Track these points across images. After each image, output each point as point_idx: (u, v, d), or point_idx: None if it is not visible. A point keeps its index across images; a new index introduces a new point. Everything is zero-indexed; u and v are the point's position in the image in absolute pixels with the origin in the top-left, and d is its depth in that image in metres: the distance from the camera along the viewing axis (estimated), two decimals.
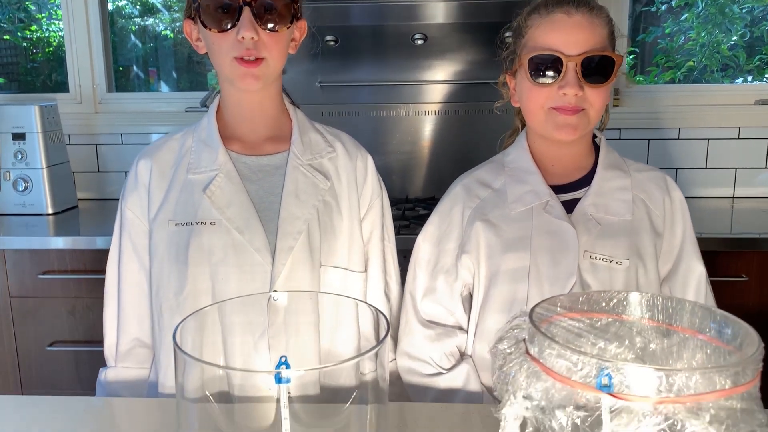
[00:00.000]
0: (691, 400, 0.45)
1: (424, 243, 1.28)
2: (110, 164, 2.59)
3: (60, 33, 2.73)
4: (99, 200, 2.59)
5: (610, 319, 0.59)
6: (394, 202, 1.92)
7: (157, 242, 1.18)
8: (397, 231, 1.87)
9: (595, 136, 1.28)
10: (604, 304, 0.60)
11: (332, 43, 2.38)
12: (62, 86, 2.67)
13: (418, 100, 2.45)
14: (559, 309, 0.59)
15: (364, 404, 0.55)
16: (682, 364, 0.56)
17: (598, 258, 1.14)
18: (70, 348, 2.05)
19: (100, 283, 1.28)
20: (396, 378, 1.29)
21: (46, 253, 2.00)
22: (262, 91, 1.19)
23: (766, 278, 1.93)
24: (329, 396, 0.56)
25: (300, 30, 1.23)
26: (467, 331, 1.25)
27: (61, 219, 2.27)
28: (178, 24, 2.86)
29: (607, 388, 0.47)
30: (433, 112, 2.45)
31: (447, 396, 1.21)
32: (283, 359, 0.60)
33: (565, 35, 1.13)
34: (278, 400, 0.54)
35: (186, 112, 2.52)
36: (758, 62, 2.79)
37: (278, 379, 0.52)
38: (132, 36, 2.90)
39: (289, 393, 0.54)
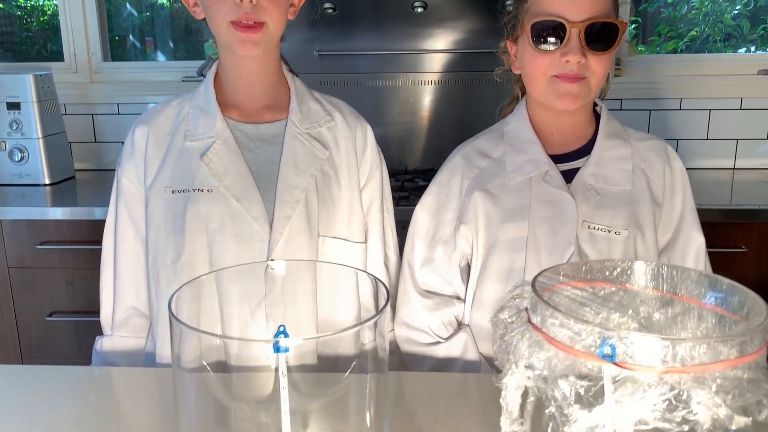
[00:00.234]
0: (698, 370, 0.44)
1: (422, 213, 1.27)
2: (107, 134, 2.57)
3: (54, 1, 2.68)
4: (96, 171, 2.57)
5: (613, 288, 0.59)
6: (392, 174, 1.91)
7: (153, 210, 1.18)
8: (396, 202, 1.86)
9: (595, 105, 1.26)
10: (607, 273, 0.59)
11: (330, 10, 2.34)
12: (58, 56, 2.63)
13: (417, 69, 2.42)
14: (561, 278, 0.58)
15: (363, 373, 0.54)
16: (687, 334, 0.56)
17: (596, 228, 1.13)
18: (70, 318, 2.05)
19: (99, 254, 1.27)
20: (395, 347, 1.29)
21: (43, 223, 1.99)
22: (261, 58, 1.18)
23: (765, 250, 1.93)
24: (327, 365, 0.55)
25: None
26: (464, 301, 1.25)
27: (59, 189, 2.25)
28: None
29: (609, 358, 0.46)
30: (433, 82, 2.42)
31: (445, 365, 1.21)
32: (281, 328, 0.59)
33: (569, 1, 1.10)
34: (276, 370, 0.54)
35: (183, 81, 2.49)
36: (762, 32, 2.75)
37: (276, 349, 0.52)
38: (128, 5, 2.86)
39: (286, 362, 0.54)
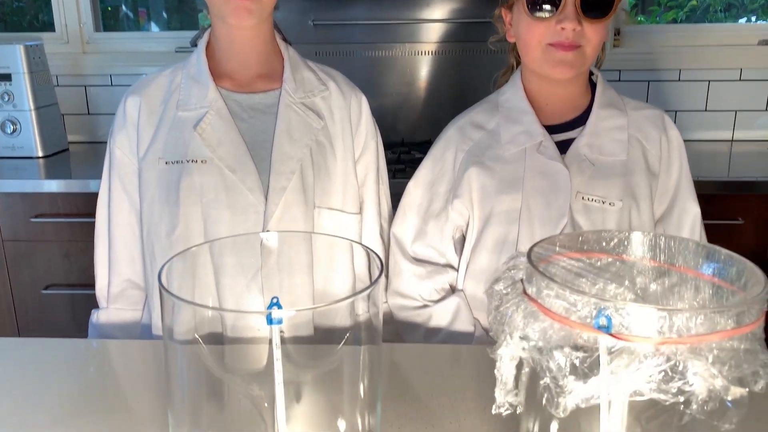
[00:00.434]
0: (694, 341, 0.43)
1: (415, 188, 1.27)
2: (100, 106, 2.54)
3: None
4: (90, 143, 2.55)
5: (610, 259, 0.58)
6: (388, 145, 1.90)
7: (147, 181, 1.16)
8: (392, 175, 1.85)
9: (592, 74, 1.24)
10: (604, 243, 0.59)
11: None
12: (50, 26, 2.59)
13: (414, 39, 2.38)
14: (558, 249, 0.57)
15: (357, 345, 0.54)
16: (684, 305, 0.55)
17: (590, 199, 1.13)
18: (66, 291, 2.05)
19: (94, 227, 1.27)
20: (390, 319, 1.30)
21: (37, 196, 1.98)
22: (254, 28, 1.16)
23: (761, 221, 1.92)
24: (324, 337, 0.55)
25: None
26: (458, 270, 1.25)
27: (52, 162, 2.24)
28: None
29: (605, 329, 0.46)
30: (430, 52, 2.39)
31: (437, 330, 1.21)
32: (274, 300, 0.59)
33: None
34: (270, 341, 0.53)
35: (176, 52, 2.46)
36: (762, 1, 2.72)
37: (269, 320, 0.51)
38: None
39: (282, 333, 0.53)
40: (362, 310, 0.57)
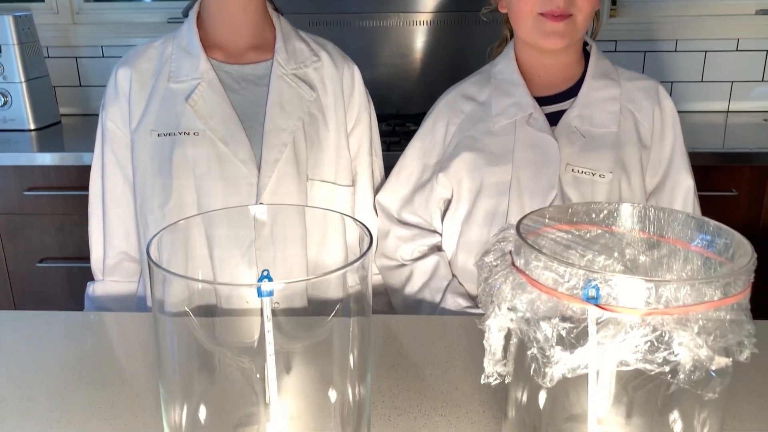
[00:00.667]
0: (680, 312, 0.44)
1: (406, 159, 1.28)
2: (92, 78, 2.51)
3: None
4: (82, 116, 2.53)
5: (599, 231, 0.58)
6: (383, 118, 1.89)
7: (139, 154, 1.16)
8: (387, 147, 1.84)
9: (586, 44, 1.23)
10: (594, 215, 0.59)
11: None
12: None
13: (409, 9, 2.35)
14: (547, 221, 0.58)
15: (347, 316, 0.54)
16: (672, 276, 0.55)
17: (580, 171, 1.13)
18: (61, 264, 2.05)
19: (88, 200, 1.26)
20: (383, 290, 1.31)
21: (30, 169, 1.97)
22: None
23: (755, 193, 1.93)
24: (317, 308, 0.55)
25: None
26: (441, 235, 1.26)
27: (44, 135, 2.22)
28: None
29: (594, 300, 0.46)
30: (425, 23, 2.36)
31: (420, 289, 1.23)
32: (264, 273, 0.59)
33: None
34: (262, 313, 0.53)
35: (168, 22, 2.43)
36: None
37: (260, 293, 0.51)
38: None
39: (277, 304, 0.53)
40: (353, 281, 0.57)
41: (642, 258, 0.57)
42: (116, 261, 1.24)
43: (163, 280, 0.51)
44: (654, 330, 0.44)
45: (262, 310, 0.54)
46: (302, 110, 1.17)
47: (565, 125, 1.15)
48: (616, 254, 0.56)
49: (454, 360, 0.88)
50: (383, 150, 1.34)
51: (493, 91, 1.21)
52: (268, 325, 0.54)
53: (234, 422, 0.59)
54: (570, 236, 0.56)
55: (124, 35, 2.46)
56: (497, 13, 1.26)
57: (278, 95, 1.16)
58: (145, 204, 1.16)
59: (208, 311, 0.54)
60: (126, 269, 1.25)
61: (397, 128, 2.16)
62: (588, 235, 0.58)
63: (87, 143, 2.09)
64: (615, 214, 0.59)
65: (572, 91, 1.18)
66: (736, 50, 2.37)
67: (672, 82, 2.40)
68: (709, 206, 1.89)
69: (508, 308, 0.50)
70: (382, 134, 1.35)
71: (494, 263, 0.54)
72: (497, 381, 0.56)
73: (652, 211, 0.58)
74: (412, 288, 1.24)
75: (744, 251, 0.49)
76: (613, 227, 0.59)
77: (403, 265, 1.26)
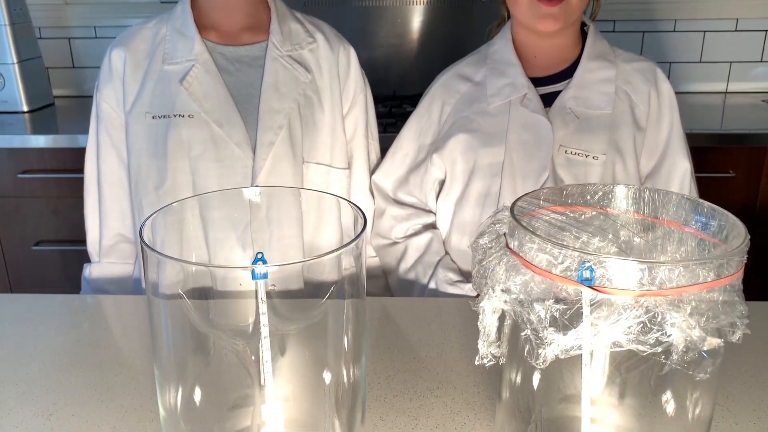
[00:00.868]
0: (673, 293, 0.44)
1: (402, 139, 1.28)
2: (85, 59, 2.49)
3: None
4: (76, 97, 2.51)
5: (594, 213, 0.58)
6: (379, 99, 1.88)
7: (134, 135, 1.15)
8: (383, 129, 1.84)
9: (585, 25, 1.22)
10: (588, 197, 0.58)
11: None
12: None
13: None
14: (542, 203, 0.57)
15: (341, 299, 0.54)
16: (666, 258, 0.55)
17: (573, 153, 1.12)
18: (56, 247, 2.05)
19: (83, 183, 1.26)
20: (379, 272, 1.31)
21: (24, 152, 1.96)
22: None
23: (752, 174, 1.93)
24: (313, 291, 0.55)
25: None
26: (442, 223, 1.26)
27: (38, 117, 2.20)
28: None
29: (588, 282, 0.46)
30: (423, 2, 2.34)
31: (413, 264, 1.24)
32: (259, 255, 0.59)
33: None
34: (256, 296, 0.53)
35: (161, 2, 2.40)
36: None
37: (254, 275, 0.51)
38: None
39: (273, 286, 0.53)
40: (347, 263, 0.57)
41: (636, 240, 0.57)
42: (112, 242, 1.24)
43: (157, 263, 0.51)
44: (647, 311, 0.44)
45: (256, 292, 0.54)
46: (297, 92, 1.16)
47: (560, 106, 1.15)
48: (610, 236, 0.56)
49: (449, 342, 0.88)
50: (379, 132, 1.34)
51: (488, 72, 1.20)
52: (263, 308, 0.54)
53: (229, 404, 0.59)
54: (564, 218, 0.56)
55: (118, 16, 2.43)
56: None
57: (273, 77, 1.15)
58: (139, 186, 1.16)
59: (203, 294, 0.54)
60: (122, 251, 1.25)
61: (393, 110, 2.15)
62: (582, 217, 0.58)
63: (81, 125, 2.08)
64: (609, 196, 0.59)
65: (568, 72, 1.18)
66: (735, 30, 2.36)
67: (670, 63, 2.39)
68: (706, 187, 1.89)
69: (502, 290, 0.50)
70: (379, 116, 1.35)
71: (488, 245, 0.54)
72: (491, 362, 0.57)
73: (647, 192, 0.58)
74: (406, 264, 1.24)
75: (738, 233, 0.49)
76: (608, 209, 0.59)
77: (397, 242, 1.26)
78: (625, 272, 0.45)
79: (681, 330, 0.43)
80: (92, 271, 1.26)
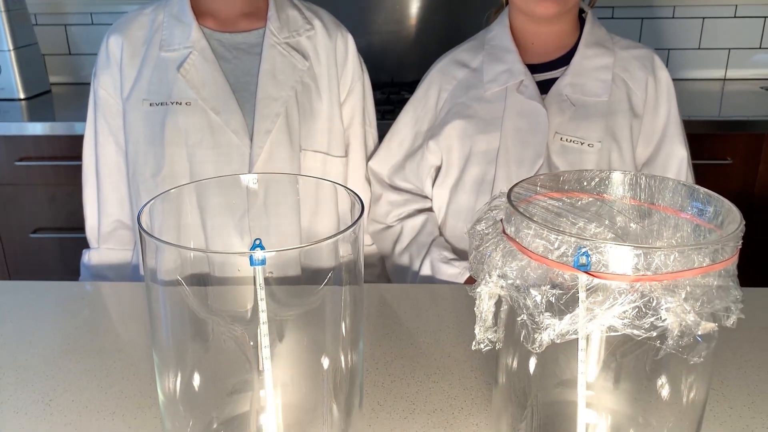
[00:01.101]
0: (668, 278, 0.44)
1: (398, 125, 1.28)
2: (81, 46, 2.48)
3: None
4: (73, 84, 2.50)
5: (590, 199, 0.58)
6: (378, 86, 1.87)
7: (131, 122, 1.15)
8: (381, 116, 1.83)
9: (583, 12, 1.22)
10: (585, 183, 0.59)
11: None
12: None
13: None
14: (539, 189, 0.58)
15: (339, 285, 0.54)
16: (662, 243, 0.56)
17: (569, 140, 1.12)
18: (54, 235, 2.05)
19: (80, 170, 1.26)
20: (376, 260, 1.31)
21: (21, 139, 1.96)
22: None
23: (750, 161, 1.93)
24: (312, 277, 0.56)
25: None
26: (438, 209, 1.27)
27: (35, 104, 2.20)
28: None
29: (584, 267, 0.46)
30: None
31: (408, 245, 1.24)
32: (257, 242, 0.59)
33: None
34: (254, 282, 0.54)
35: None
36: None
37: (252, 261, 0.51)
38: None
39: (271, 273, 0.54)
40: (344, 250, 0.58)
41: (632, 225, 0.57)
42: (111, 229, 1.25)
43: (155, 249, 0.51)
44: (642, 296, 0.45)
45: (254, 278, 0.54)
46: (295, 80, 1.16)
47: (556, 93, 1.15)
48: (607, 222, 0.57)
49: (446, 327, 0.89)
50: (377, 119, 1.33)
51: (485, 58, 1.20)
52: (261, 294, 0.54)
53: (228, 389, 0.60)
54: (561, 204, 0.56)
55: (114, 2, 2.42)
56: None
57: (270, 65, 1.15)
58: (137, 173, 1.16)
59: (201, 280, 0.54)
60: (121, 237, 1.25)
61: (391, 96, 2.14)
62: (579, 203, 0.58)
63: (78, 112, 2.07)
64: (606, 182, 0.59)
65: (565, 59, 1.17)
66: (734, 16, 2.35)
67: (669, 50, 2.38)
68: (704, 174, 1.89)
69: (499, 275, 0.50)
70: (377, 102, 1.35)
71: (485, 231, 0.54)
72: (488, 347, 0.57)
73: (643, 178, 0.58)
74: (401, 246, 1.25)
75: (733, 218, 0.50)
76: (605, 195, 0.59)
77: (392, 226, 1.27)
78: (620, 257, 0.46)
79: (676, 315, 0.44)
80: (91, 257, 1.26)
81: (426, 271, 1.20)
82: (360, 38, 1.29)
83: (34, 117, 2.05)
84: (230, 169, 1.12)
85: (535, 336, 0.46)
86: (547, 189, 0.58)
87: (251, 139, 1.12)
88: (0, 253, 2.08)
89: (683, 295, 0.44)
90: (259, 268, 0.54)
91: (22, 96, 2.22)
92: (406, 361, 0.81)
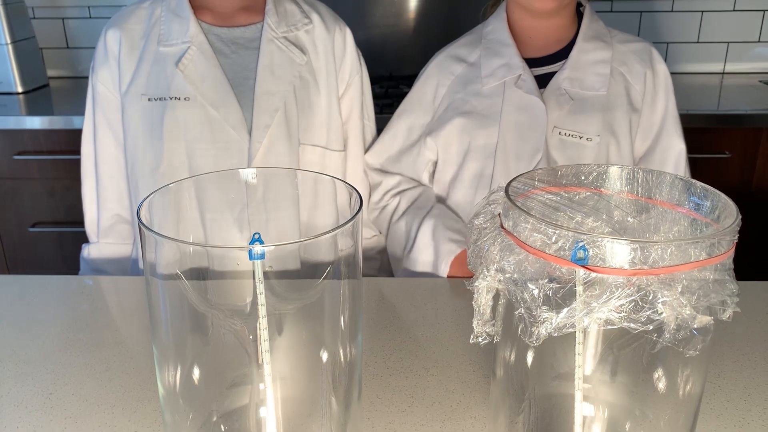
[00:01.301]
0: (665, 272, 0.44)
1: (395, 120, 1.27)
2: (79, 40, 2.47)
3: None
4: (71, 78, 2.50)
5: (588, 193, 0.58)
6: (376, 80, 1.87)
7: (130, 117, 1.15)
8: (380, 110, 1.83)
9: (581, 6, 1.22)
10: (583, 177, 0.59)
11: None
12: None
13: None
14: (537, 183, 0.58)
15: (338, 279, 0.54)
16: (659, 237, 0.56)
17: (567, 134, 1.12)
18: (53, 229, 2.05)
19: (79, 164, 1.26)
20: (375, 253, 1.32)
21: (19, 133, 1.95)
22: None
23: (748, 155, 1.93)
24: (311, 271, 0.56)
25: None
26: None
27: (32, 98, 2.19)
28: None
29: (581, 261, 0.47)
30: None
31: (405, 211, 1.22)
32: (256, 236, 0.59)
33: None
34: (254, 276, 0.54)
35: None
36: None
37: (251, 255, 0.52)
38: None
39: (271, 267, 0.54)
40: (343, 243, 0.58)
41: (630, 219, 0.57)
42: (110, 223, 1.25)
43: (154, 243, 0.51)
44: (639, 290, 0.45)
45: (254, 272, 0.54)
46: (293, 74, 1.16)
47: (554, 87, 1.15)
48: (604, 216, 0.57)
49: (444, 321, 0.89)
50: (376, 113, 1.33)
51: (483, 52, 1.20)
52: (260, 287, 0.54)
53: (227, 382, 0.60)
54: (559, 198, 0.57)
55: None
56: None
57: (269, 59, 1.15)
58: (136, 167, 1.16)
59: (201, 274, 0.54)
60: (120, 231, 1.25)
61: (390, 90, 2.14)
62: (577, 197, 0.58)
63: (76, 106, 2.07)
64: (604, 177, 0.59)
65: (563, 53, 1.17)
66: (733, 10, 2.35)
67: (668, 43, 2.38)
68: (702, 168, 1.89)
69: (497, 269, 0.50)
70: (375, 96, 1.35)
71: (483, 225, 0.54)
72: (486, 341, 0.57)
73: (641, 173, 0.58)
74: (398, 213, 1.23)
75: (729, 212, 0.50)
76: (602, 189, 0.59)
77: (389, 204, 1.25)
78: (618, 252, 0.46)
79: (672, 308, 0.44)
80: (91, 251, 1.26)
81: (425, 234, 1.15)
82: (358, 32, 1.28)
83: (32, 111, 2.05)
84: (229, 164, 1.12)
85: (533, 329, 0.47)
86: (544, 183, 0.58)
87: (250, 134, 1.12)
88: None
89: (679, 289, 0.44)
90: (258, 262, 0.54)
91: (19, 90, 2.21)
92: (404, 354, 0.81)
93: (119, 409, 0.71)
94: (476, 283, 0.53)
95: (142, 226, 0.51)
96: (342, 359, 0.58)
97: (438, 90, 1.22)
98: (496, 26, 1.21)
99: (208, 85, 1.12)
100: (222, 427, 0.60)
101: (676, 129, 1.19)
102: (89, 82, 1.21)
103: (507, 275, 0.49)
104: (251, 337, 0.56)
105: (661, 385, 0.55)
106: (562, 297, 0.46)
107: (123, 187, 1.22)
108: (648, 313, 0.44)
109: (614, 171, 0.59)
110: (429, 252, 1.14)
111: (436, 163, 1.24)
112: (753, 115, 1.90)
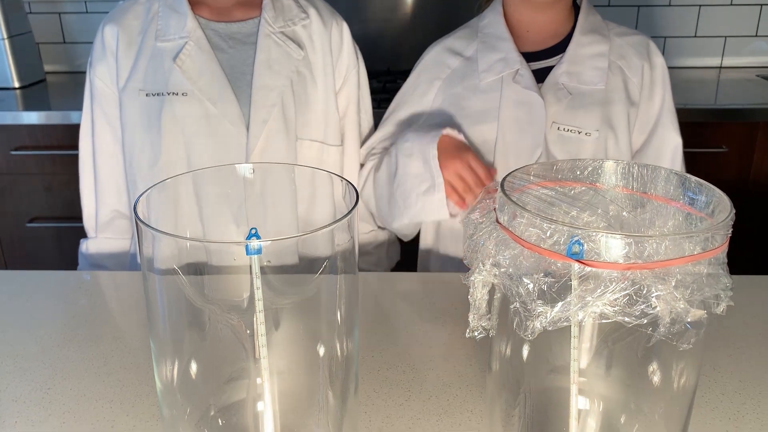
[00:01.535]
0: (659, 266, 0.45)
1: (389, 114, 1.28)
2: (76, 34, 2.47)
3: None
4: (68, 73, 2.49)
5: (583, 188, 0.59)
6: (373, 74, 1.87)
7: (128, 112, 1.15)
8: (378, 104, 1.83)
9: None
10: (578, 172, 0.59)
11: None
12: None
13: None
14: (532, 178, 0.58)
15: (334, 274, 0.55)
16: (654, 232, 0.56)
17: (566, 129, 1.12)
18: (51, 224, 2.05)
19: (76, 159, 1.26)
20: (372, 248, 1.32)
21: (16, 128, 1.95)
22: None
23: (745, 149, 1.93)
24: (309, 266, 0.56)
25: None
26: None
27: (30, 93, 2.19)
28: None
29: (576, 255, 0.47)
30: None
31: (388, 152, 1.20)
32: (253, 231, 0.59)
33: None
34: (251, 270, 0.54)
35: None
36: None
37: (248, 250, 0.52)
38: None
39: (269, 262, 0.54)
40: (340, 238, 0.58)
41: (625, 214, 0.57)
42: (109, 218, 1.25)
43: (152, 238, 0.52)
44: (633, 284, 0.45)
45: (251, 267, 0.54)
46: (290, 69, 1.16)
47: (552, 82, 1.14)
48: (599, 211, 0.57)
49: (441, 315, 0.89)
50: (373, 107, 1.33)
51: (480, 46, 1.19)
52: (257, 282, 0.55)
53: (225, 377, 0.60)
54: (554, 193, 0.57)
55: None
56: None
57: (266, 54, 1.15)
58: (134, 163, 1.16)
59: (198, 269, 0.54)
60: (118, 226, 1.25)
61: (387, 85, 2.14)
62: (572, 192, 0.59)
63: (73, 102, 2.07)
64: (599, 171, 0.60)
65: (561, 47, 1.17)
66: (731, 4, 2.35)
67: (665, 38, 2.38)
68: (699, 162, 1.89)
69: (492, 264, 0.51)
70: (372, 91, 1.35)
71: (479, 220, 0.55)
72: (482, 335, 0.58)
73: (636, 167, 0.58)
74: (379, 162, 1.20)
75: (723, 207, 0.50)
76: (597, 184, 0.59)
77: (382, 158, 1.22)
78: (612, 246, 0.46)
79: (666, 302, 0.44)
80: (89, 246, 1.26)
81: (405, 146, 1.09)
82: (355, 26, 1.28)
83: (29, 106, 2.04)
84: (227, 159, 1.12)
85: (528, 323, 0.47)
86: (540, 178, 0.58)
87: (248, 129, 1.12)
88: None
89: (673, 283, 0.44)
90: (255, 257, 0.54)
91: (16, 85, 2.21)
92: (401, 348, 0.82)
93: (117, 404, 0.72)
94: (472, 278, 0.53)
95: (138, 221, 0.51)
96: (339, 353, 0.58)
97: (433, 83, 1.22)
98: (492, 20, 1.20)
99: (205, 80, 1.12)
100: (219, 422, 0.60)
101: (673, 123, 1.19)
102: (87, 77, 1.21)
103: (502, 270, 0.49)
104: (248, 331, 0.57)
105: (656, 379, 0.55)
106: (557, 291, 0.46)
107: (121, 182, 1.22)
108: (642, 307, 0.45)
109: (609, 166, 0.60)
110: (415, 152, 1.08)
111: None
112: (750, 109, 1.90)
